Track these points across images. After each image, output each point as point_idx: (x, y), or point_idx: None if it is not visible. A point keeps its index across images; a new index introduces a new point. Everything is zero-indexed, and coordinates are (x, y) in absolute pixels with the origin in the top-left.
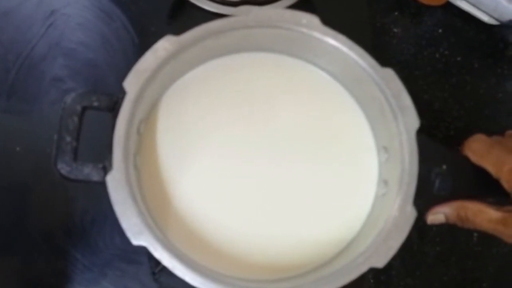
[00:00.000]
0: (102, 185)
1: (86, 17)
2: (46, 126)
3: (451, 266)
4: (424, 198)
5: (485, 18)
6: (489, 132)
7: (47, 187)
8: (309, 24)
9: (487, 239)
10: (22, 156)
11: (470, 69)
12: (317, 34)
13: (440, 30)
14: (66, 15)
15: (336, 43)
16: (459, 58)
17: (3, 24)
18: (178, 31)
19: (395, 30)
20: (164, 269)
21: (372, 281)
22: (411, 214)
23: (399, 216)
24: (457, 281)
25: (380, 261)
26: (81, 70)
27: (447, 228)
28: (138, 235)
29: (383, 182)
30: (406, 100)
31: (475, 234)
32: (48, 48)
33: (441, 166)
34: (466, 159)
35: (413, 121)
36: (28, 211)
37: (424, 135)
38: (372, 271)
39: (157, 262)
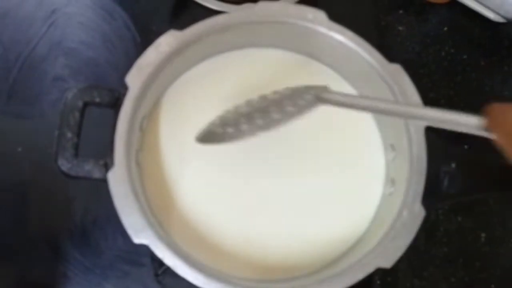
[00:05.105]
0: (103, 182)
1: (87, 16)
2: (47, 126)
3: (458, 267)
4: (432, 197)
5: (490, 15)
6: None
7: (47, 188)
8: (315, 19)
9: (495, 239)
10: (23, 157)
11: (475, 67)
12: (323, 29)
13: (445, 28)
14: (67, 14)
15: (343, 38)
16: (464, 56)
17: (3, 24)
18: (180, 30)
19: (400, 28)
20: (167, 271)
21: (378, 282)
22: (419, 213)
23: (407, 215)
24: (464, 282)
25: (387, 261)
26: (82, 70)
27: (455, 229)
28: (140, 233)
29: (390, 181)
30: (414, 96)
31: (483, 235)
32: (49, 48)
33: (449, 165)
34: (476, 157)
35: None
36: (28, 212)
37: (432, 133)
38: (379, 273)
39: (160, 264)
